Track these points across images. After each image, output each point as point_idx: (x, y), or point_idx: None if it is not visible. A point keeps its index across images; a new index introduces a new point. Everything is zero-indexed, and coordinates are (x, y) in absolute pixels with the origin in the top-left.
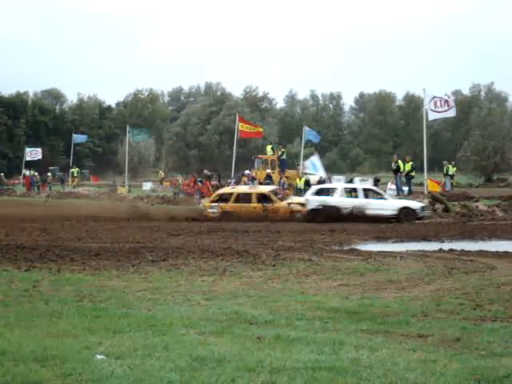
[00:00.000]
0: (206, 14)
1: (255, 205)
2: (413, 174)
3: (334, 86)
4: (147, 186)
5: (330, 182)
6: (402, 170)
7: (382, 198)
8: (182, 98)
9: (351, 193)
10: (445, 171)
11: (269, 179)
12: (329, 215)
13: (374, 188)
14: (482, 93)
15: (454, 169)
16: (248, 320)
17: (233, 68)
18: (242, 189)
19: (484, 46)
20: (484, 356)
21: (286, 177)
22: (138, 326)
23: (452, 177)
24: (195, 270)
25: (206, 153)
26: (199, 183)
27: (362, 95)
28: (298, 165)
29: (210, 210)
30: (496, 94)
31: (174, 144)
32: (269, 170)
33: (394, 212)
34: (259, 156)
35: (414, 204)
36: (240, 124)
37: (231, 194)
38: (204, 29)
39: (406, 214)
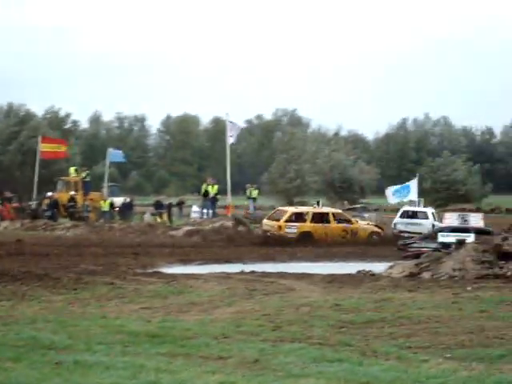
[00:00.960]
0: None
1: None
2: (218, 196)
3: (139, 109)
4: None
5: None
6: (210, 193)
7: None
8: None
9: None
10: (248, 194)
11: (72, 201)
12: None
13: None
14: (285, 118)
15: (257, 191)
16: (46, 345)
17: (37, 88)
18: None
19: (288, 72)
20: (282, 377)
21: (91, 199)
22: None
23: (255, 200)
24: None
25: (7, 174)
26: None
27: (168, 117)
28: (102, 187)
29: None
30: (298, 119)
31: None
32: (72, 192)
33: None
34: (62, 178)
35: None
36: (42, 145)
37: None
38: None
39: None
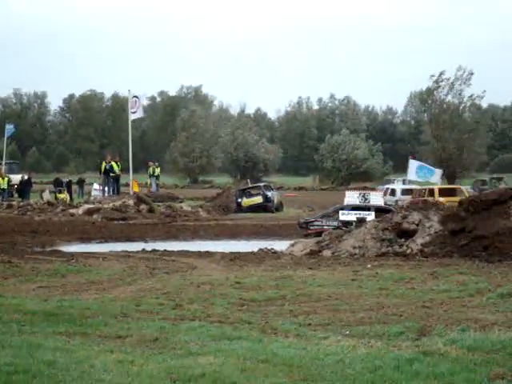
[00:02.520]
0: None
1: None
2: (118, 173)
3: (39, 87)
4: None
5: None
6: (116, 171)
7: None
8: None
9: None
10: (151, 172)
11: None
12: None
13: None
14: (190, 96)
15: (159, 169)
16: None
17: None
18: None
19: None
20: (181, 355)
21: None
22: None
23: (157, 178)
24: None
25: None
26: None
27: (71, 96)
28: (0, 164)
29: None
30: (203, 97)
31: None
32: None
33: None
34: None
35: None
36: None
37: None
38: None
39: None
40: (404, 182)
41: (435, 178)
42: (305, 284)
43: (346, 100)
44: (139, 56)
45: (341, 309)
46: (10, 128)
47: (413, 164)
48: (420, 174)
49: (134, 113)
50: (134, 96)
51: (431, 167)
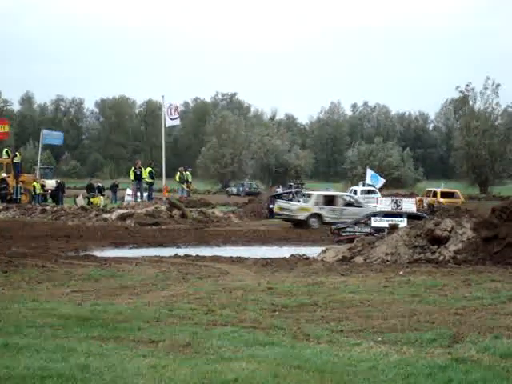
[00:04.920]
0: None
1: None
2: (149, 180)
3: (74, 91)
4: None
5: None
6: (144, 176)
7: None
8: None
9: None
10: (182, 177)
11: (4, 183)
12: None
13: None
14: (224, 102)
15: (190, 175)
16: None
17: None
18: None
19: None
20: (213, 360)
21: (22, 181)
22: None
23: (190, 183)
24: None
25: None
26: None
27: (103, 100)
28: (34, 169)
29: None
30: (238, 103)
31: None
32: (4, 174)
33: None
34: None
35: None
36: None
37: None
38: None
39: None
40: (364, 185)
41: (379, 184)
42: (337, 290)
43: (378, 106)
44: (173, 63)
45: (373, 315)
46: (51, 134)
47: (369, 172)
48: (373, 180)
49: (173, 119)
50: (170, 104)
51: (379, 177)
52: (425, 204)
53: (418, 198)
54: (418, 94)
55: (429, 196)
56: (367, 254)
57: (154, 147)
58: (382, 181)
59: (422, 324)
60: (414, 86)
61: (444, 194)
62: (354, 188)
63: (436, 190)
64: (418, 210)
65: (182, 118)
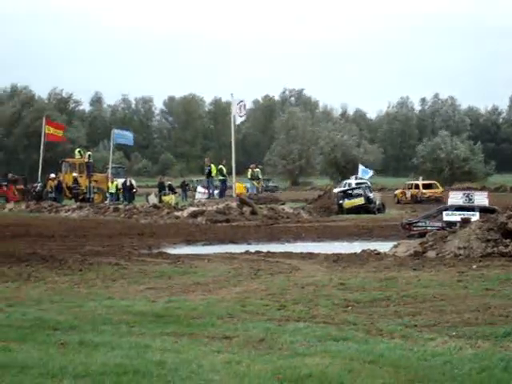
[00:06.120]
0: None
1: None
2: (221, 177)
3: (142, 90)
4: None
5: None
6: (214, 173)
7: None
8: None
9: None
10: (253, 174)
11: (75, 183)
12: None
13: None
14: (292, 98)
15: (260, 172)
16: (52, 326)
17: (39, 70)
18: None
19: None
20: (287, 356)
21: (95, 181)
22: None
23: (259, 180)
24: None
25: (12, 156)
26: (4, 187)
27: (171, 98)
28: (107, 168)
29: None
30: (306, 99)
31: None
32: (75, 174)
33: None
34: (66, 160)
35: None
36: (47, 127)
37: None
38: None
39: None
40: (356, 178)
41: (368, 176)
42: (409, 285)
43: (449, 100)
44: (242, 61)
45: (446, 310)
46: (123, 135)
47: (360, 167)
48: (363, 173)
49: (241, 116)
50: (241, 101)
51: (368, 170)
52: (407, 195)
53: (399, 190)
54: (491, 89)
55: (411, 188)
56: (439, 248)
57: (224, 145)
58: (370, 172)
59: (496, 318)
60: (484, 80)
61: (425, 186)
62: (348, 181)
63: (417, 182)
64: (400, 201)
65: (250, 116)
